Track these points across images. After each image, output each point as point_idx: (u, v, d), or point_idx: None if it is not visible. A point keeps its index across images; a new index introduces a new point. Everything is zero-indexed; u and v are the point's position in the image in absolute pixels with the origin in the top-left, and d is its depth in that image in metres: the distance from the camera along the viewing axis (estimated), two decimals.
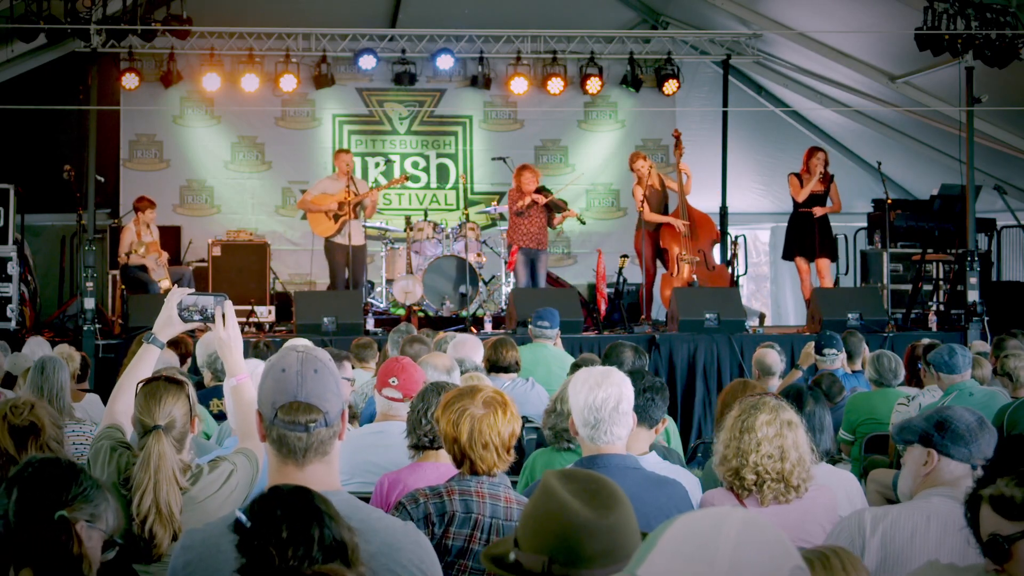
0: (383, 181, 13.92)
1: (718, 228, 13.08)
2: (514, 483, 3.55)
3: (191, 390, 3.58)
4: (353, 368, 7.85)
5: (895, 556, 3.24)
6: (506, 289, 12.37)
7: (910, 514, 3.30)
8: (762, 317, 12.53)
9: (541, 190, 12.05)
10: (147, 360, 3.65)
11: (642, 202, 11.98)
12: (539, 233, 12.02)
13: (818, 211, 11.76)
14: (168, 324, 3.59)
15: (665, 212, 12.09)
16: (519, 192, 11.97)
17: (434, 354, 5.69)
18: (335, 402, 2.69)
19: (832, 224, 12.22)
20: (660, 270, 12.26)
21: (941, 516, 3.25)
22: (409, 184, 14.65)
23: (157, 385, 3.49)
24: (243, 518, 2.19)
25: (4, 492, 2.47)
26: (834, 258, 12.30)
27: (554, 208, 12.04)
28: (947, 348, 6.56)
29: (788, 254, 12.18)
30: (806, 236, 11.83)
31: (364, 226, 12.49)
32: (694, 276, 11.86)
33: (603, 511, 2.01)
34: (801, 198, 11.86)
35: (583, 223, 12.71)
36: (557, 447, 4.64)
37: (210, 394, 6.28)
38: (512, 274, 12.32)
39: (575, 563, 2.00)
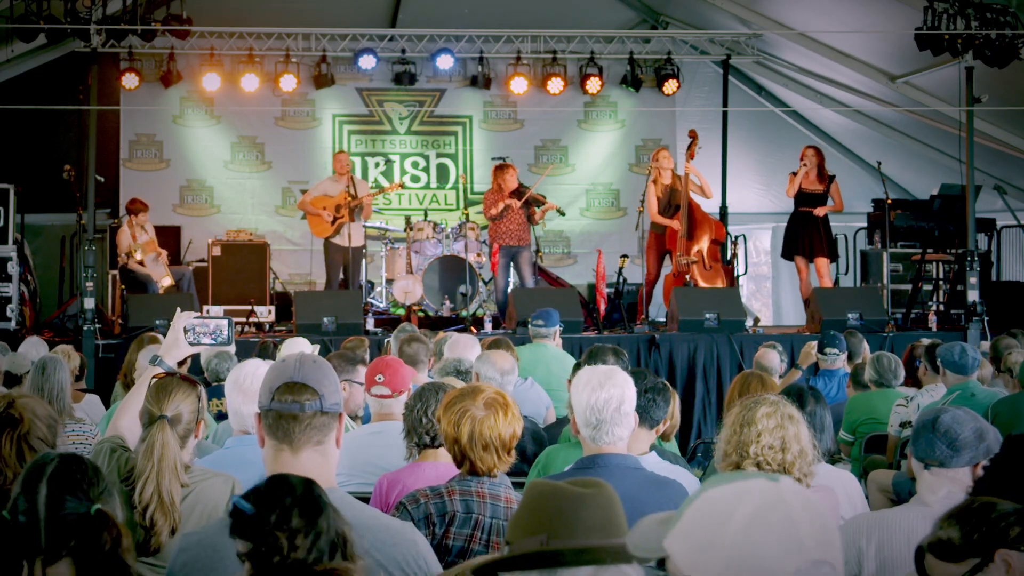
0: (383, 181, 13.96)
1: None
2: (516, 483, 3.54)
3: (202, 391, 3.58)
4: None
5: (892, 561, 3.24)
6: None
7: (904, 518, 3.30)
8: (756, 320, 12.39)
9: (519, 187, 12.05)
10: None
11: (642, 202, 11.97)
12: (519, 231, 12.01)
13: (819, 211, 11.76)
14: (175, 346, 3.60)
15: (674, 212, 12.00)
16: (497, 193, 11.98)
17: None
18: (332, 390, 2.72)
19: (832, 224, 12.21)
20: (665, 270, 12.23)
21: (927, 519, 3.27)
22: (409, 184, 14.66)
23: (169, 379, 3.51)
24: (245, 505, 2.20)
25: (26, 488, 2.48)
26: (834, 258, 12.28)
27: (533, 203, 12.02)
28: (958, 347, 6.39)
29: (787, 253, 12.18)
30: (805, 235, 11.82)
31: (364, 227, 12.50)
32: (687, 277, 11.82)
33: (593, 488, 2.08)
34: (790, 193, 11.87)
35: (562, 214, 12.77)
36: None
37: (210, 394, 6.29)
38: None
39: (574, 534, 2.02)
